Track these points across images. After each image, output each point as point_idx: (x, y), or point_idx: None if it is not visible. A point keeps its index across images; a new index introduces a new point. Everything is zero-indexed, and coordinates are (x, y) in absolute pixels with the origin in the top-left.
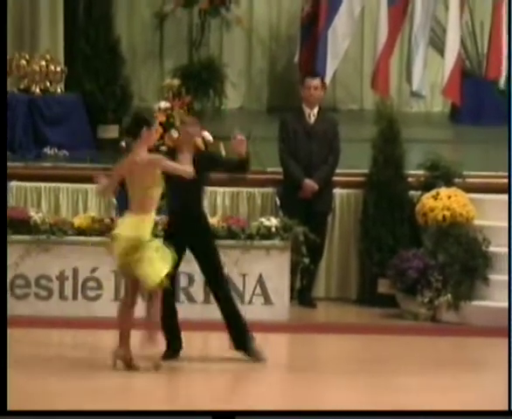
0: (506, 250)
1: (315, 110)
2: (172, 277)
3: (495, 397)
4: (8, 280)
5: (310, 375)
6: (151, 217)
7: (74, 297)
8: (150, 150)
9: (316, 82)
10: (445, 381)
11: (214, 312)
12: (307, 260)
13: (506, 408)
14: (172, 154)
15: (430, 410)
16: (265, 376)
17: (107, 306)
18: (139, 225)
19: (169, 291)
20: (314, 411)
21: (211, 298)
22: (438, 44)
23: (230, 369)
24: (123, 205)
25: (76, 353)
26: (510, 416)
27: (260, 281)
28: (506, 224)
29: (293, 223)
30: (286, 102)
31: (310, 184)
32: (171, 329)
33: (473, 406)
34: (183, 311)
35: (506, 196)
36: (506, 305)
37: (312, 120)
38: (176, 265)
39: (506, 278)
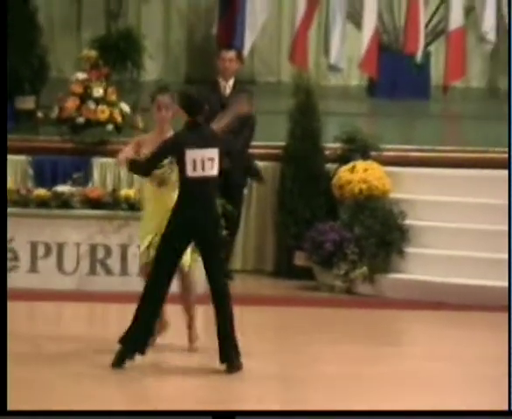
0: (421, 223)
1: (231, 82)
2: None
3: (406, 370)
4: None
5: None
6: None
7: None
8: (66, 121)
9: (231, 54)
10: (358, 352)
11: (131, 283)
12: (224, 232)
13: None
14: None
15: (430, 410)
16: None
17: (23, 278)
18: None
19: None
20: (315, 411)
21: (129, 269)
22: (355, 17)
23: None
24: (42, 176)
25: None
26: (510, 416)
27: None
28: (422, 197)
29: None
30: (204, 74)
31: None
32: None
33: (382, 378)
34: (101, 283)
35: (423, 170)
36: (421, 277)
37: (227, 91)
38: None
39: (421, 251)
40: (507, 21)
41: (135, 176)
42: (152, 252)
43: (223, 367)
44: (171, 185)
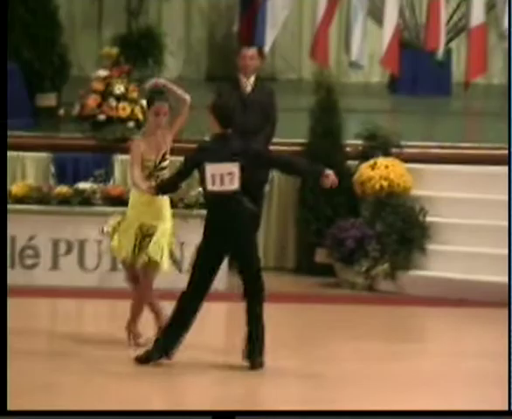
0: (443, 220)
1: (252, 79)
2: None
3: (428, 368)
4: None
5: None
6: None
7: (12, 265)
8: (87, 118)
9: (252, 52)
10: (379, 348)
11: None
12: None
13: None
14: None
15: (430, 410)
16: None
17: (45, 276)
18: None
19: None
20: (315, 411)
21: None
22: (376, 14)
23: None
24: (63, 173)
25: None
26: (510, 416)
27: None
28: (443, 194)
29: None
30: (225, 71)
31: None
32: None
33: (403, 375)
34: (122, 280)
35: (444, 166)
36: (442, 274)
37: (248, 89)
38: None
39: (442, 247)
40: None
41: None
42: (115, 237)
43: (246, 363)
44: None
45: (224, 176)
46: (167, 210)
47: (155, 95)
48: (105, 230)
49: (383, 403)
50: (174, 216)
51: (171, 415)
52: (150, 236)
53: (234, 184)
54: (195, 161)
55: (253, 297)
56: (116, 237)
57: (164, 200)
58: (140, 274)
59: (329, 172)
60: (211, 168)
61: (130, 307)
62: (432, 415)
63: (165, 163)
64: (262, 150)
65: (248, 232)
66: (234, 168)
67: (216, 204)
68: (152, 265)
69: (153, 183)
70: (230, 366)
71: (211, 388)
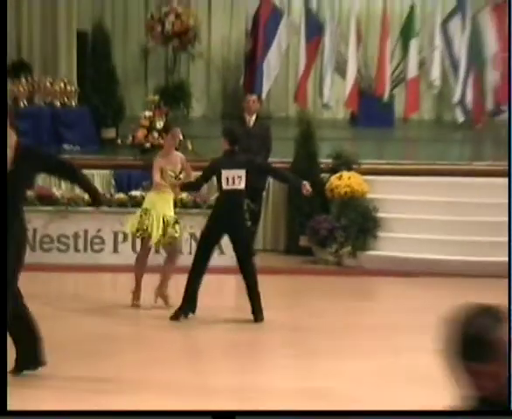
0: (389, 215)
1: (253, 117)
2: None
3: (379, 318)
4: (37, 239)
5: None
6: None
7: (85, 250)
8: (137, 146)
9: (254, 97)
10: (345, 305)
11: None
12: (249, 223)
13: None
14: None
15: (430, 410)
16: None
17: (109, 257)
18: None
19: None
20: (315, 411)
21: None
22: (341, 70)
23: None
24: (121, 184)
25: (87, 291)
26: (510, 416)
27: None
28: (390, 196)
29: None
30: (234, 111)
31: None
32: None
33: (361, 323)
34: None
35: (390, 177)
36: (390, 253)
37: (251, 124)
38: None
39: (389, 235)
40: (450, 71)
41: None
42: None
43: (252, 317)
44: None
45: (235, 178)
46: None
47: (173, 126)
48: (128, 231)
49: (348, 341)
50: (198, 214)
51: (171, 415)
52: (169, 223)
53: (241, 185)
54: (213, 169)
55: (247, 271)
56: (143, 229)
57: (171, 198)
58: (169, 250)
59: (306, 183)
60: (225, 173)
61: (161, 276)
62: (432, 415)
63: (182, 176)
64: (262, 162)
65: (245, 221)
66: (241, 172)
67: (226, 199)
68: (177, 243)
69: (177, 188)
70: (239, 320)
71: (223, 335)
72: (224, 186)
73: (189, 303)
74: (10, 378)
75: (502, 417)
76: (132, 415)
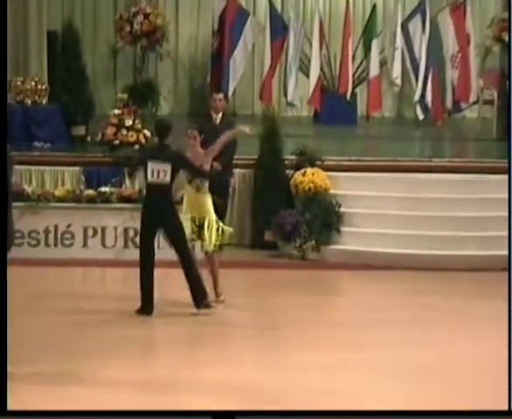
0: (352, 210)
1: (220, 115)
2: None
3: (336, 313)
4: None
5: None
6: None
7: (55, 245)
8: (106, 143)
9: (220, 96)
10: (308, 298)
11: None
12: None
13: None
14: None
15: (430, 410)
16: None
17: (78, 251)
18: None
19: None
20: (315, 411)
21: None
22: (305, 69)
23: None
24: (90, 181)
25: (58, 285)
26: (510, 416)
27: None
28: (351, 192)
29: None
30: (201, 109)
31: (215, 165)
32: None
33: (322, 317)
34: (131, 254)
35: (352, 173)
36: (352, 248)
37: (218, 121)
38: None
39: (352, 229)
40: (411, 70)
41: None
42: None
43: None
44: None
45: (159, 172)
46: (210, 206)
47: (189, 126)
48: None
49: (309, 336)
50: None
51: (171, 415)
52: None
53: (166, 179)
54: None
55: (185, 263)
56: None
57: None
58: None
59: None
60: (152, 165)
61: (212, 276)
62: (432, 415)
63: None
64: (184, 157)
65: (175, 213)
66: (167, 166)
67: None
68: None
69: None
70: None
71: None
72: (150, 179)
73: (146, 302)
74: None
75: (502, 417)
76: (132, 415)
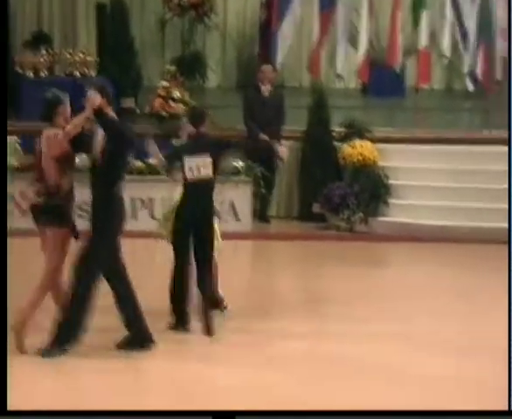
0: (400, 182)
1: (268, 87)
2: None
3: (383, 285)
4: None
5: (268, 267)
6: None
7: None
8: (154, 115)
9: (269, 67)
10: (355, 270)
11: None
12: (263, 190)
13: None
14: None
15: (430, 410)
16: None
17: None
18: None
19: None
20: (315, 411)
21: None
22: (353, 41)
23: None
24: (138, 153)
25: None
26: (510, 416)
27: (232, 205)
28: (400, 165)
29: (253, 165)
30: (249, 81)
31: (263, 137)
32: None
33: (370, 287)
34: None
35: (400, 145)
36: (400, 220)
37: (266, 94)
38: None
39: (399, 201)
40: (460, 41)
41: None
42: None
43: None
44: None
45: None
46: None
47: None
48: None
49: (360, 303)
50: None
51: (171, 416)
52: None
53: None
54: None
55: (202, 275)
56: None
57: None
58: None
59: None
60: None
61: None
62: (432, 415)
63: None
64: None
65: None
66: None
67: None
68: None
69: None
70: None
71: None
72: (188, 176)
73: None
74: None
75: (502, 417)
76: (132, 414)
